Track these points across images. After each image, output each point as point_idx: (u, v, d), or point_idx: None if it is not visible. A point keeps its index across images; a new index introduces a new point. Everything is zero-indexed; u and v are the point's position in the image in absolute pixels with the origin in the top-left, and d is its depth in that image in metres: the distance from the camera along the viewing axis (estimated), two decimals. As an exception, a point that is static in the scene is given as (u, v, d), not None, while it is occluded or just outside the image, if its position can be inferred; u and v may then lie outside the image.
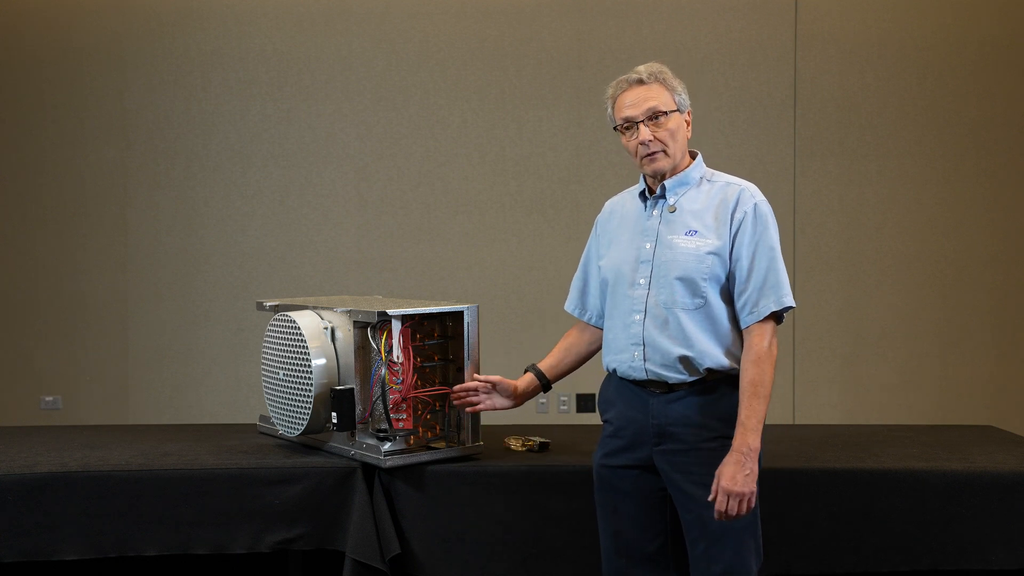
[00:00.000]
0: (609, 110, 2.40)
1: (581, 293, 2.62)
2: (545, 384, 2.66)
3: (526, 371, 2.67)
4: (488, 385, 2.64)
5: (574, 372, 2.69)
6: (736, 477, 2.17)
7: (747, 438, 2.19)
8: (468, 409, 2.68)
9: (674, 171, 2.37)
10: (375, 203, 5.31)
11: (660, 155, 2.33)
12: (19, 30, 5.24)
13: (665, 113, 2.32)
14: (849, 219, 5.33)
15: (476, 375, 2.66)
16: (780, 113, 5.30)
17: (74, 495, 2.58)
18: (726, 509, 2.18)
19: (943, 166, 5.33)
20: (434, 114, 5.30)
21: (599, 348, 2.56)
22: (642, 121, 2.32)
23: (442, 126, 5.31)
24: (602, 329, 2.53)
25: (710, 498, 2.20)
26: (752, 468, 2.19)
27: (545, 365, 2.66)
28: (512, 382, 2.65)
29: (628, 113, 2.34)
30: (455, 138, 5.31)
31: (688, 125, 2.38)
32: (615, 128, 2.39)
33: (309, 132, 5.30)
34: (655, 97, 2.33)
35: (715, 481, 2.20)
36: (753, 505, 2.21)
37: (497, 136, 5.31)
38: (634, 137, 2.34)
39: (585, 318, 2.62)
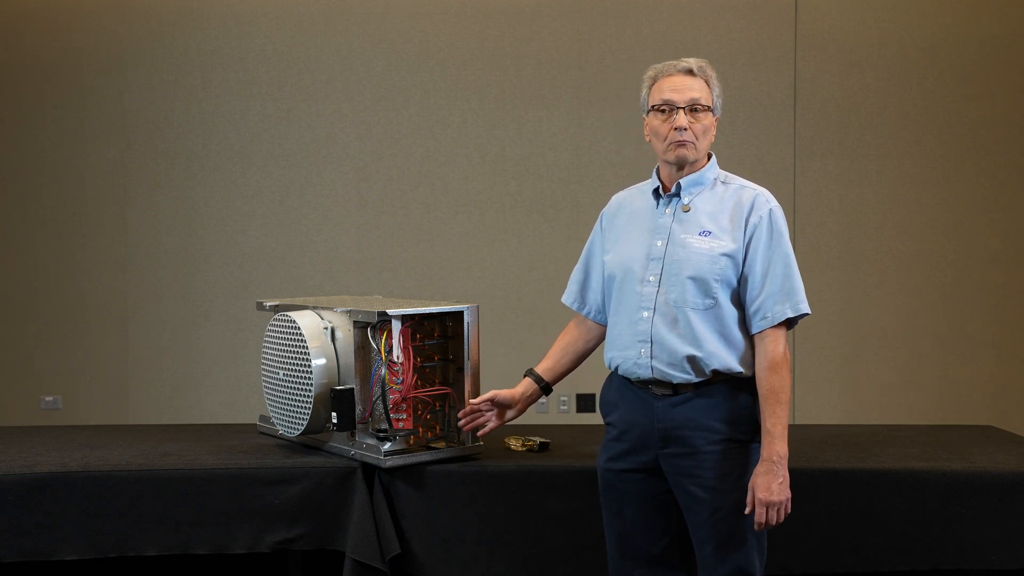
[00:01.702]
0: (645, 91, 2.39)
1: (581, 287, 2.58)
2: (544, 387, 2.63)
3: (524, 376, 2.65)
4: (487, 403, 2.62)
5: (574, 372, 2.67)
6: (771, 487, 2.20)
7: (775, 446, 2.22)
8: (480, 432, 2.67)
9: (692, 168, 2.37)
10: (375, 203, 5.31)
11: (690, 145, 2.33)
12: (19, 30, 5.24)
13: (705, 108, 2.34)
14: (849, 219, 5.32)
15: (470, 401, 2.63)
16: (780, 113, 5.30)
17: (74, 495, 2.58)
18: (765, 520, 2.21)
19: (943, 166, 5.33)
20: (434, 114, 5.30)
21: (596, 345, 2.54)
22: (683, 108, 2.32)
23: (442, 126, 5.31)
24: (600, 325, 2.53)
25: (747, 511, 2.22)
26: (784, 475, 2.21)
27: (543, 368, 2.63)
28: (509, 392, 2.62)
29: (670, 96, 2.33)
30: (455, 138, 5.30)
31: (713, 129, 2.38)
32: (649, 109, 2.37)
33: (309, 132, 5.29)
34: (699, 90, 2.34)
35: (749, 493, 2.22)
36: (789, 510, 2.23)
37: (497, 136, 5.30)
38: (668, 121, 2.33)
39: (584, 312, 2.58)
